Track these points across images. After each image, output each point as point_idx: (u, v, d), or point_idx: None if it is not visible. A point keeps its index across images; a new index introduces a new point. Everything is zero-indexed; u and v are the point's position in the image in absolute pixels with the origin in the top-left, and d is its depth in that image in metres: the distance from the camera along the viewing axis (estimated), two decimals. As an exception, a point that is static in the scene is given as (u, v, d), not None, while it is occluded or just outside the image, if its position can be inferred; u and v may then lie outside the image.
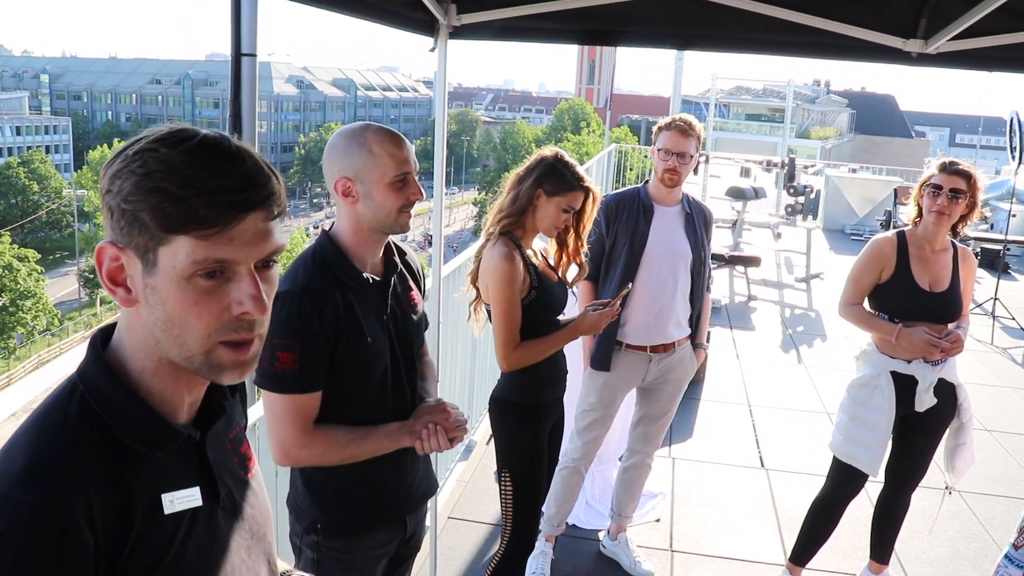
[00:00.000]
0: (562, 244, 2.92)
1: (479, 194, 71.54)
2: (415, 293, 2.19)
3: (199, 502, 1.10)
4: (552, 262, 2.95)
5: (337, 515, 2.09)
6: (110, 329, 1.11)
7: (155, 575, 1.03)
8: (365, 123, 2.04)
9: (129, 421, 1.04)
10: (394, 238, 2.15)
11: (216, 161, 1.00)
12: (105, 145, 55.40)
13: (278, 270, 1.10)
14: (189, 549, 1.07)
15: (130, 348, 1.08)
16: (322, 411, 2.00)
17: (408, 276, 2.19)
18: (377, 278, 2.06)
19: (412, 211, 2.02)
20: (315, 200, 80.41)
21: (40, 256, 44.13)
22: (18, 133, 68.27)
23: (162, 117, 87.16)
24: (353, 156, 1.97)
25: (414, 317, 2.17)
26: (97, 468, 0.99)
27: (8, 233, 45.71)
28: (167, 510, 1.05)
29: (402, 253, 2.19)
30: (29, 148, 63.71)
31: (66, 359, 43.06)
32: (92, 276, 49.63)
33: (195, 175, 0.98)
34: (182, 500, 1.07)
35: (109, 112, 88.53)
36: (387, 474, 2.11)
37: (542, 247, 2.99)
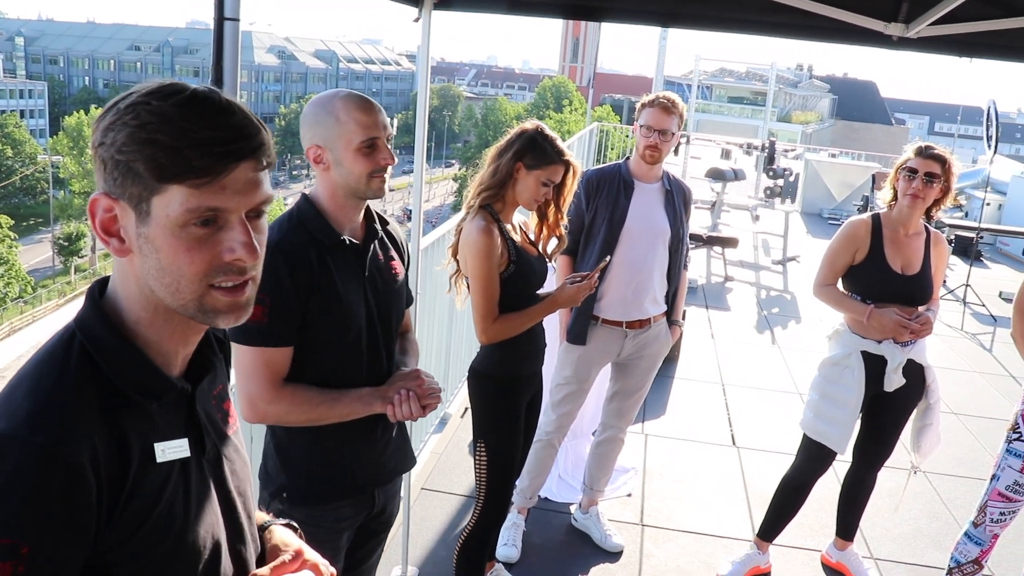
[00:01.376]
0: (542, 217, 2.92)
1: (460, 170, 71.24)
2: (396, 263, 2.18)
3: (187, 453, 1.12)
4: (532, 236, 2.96)
5: (303, 483, 2.09)
6: (106, 280, 1.13)
7: (147, 521, 1.06)
8: (336, 90, 2.04)
9: (127, 370, 1.07)
10: (376, 208, 2.16)
11: (208, 113, 1.02)
12: (82, 111, 54.43)
13: (267, 220, 1.12)
14: (177, 498, 1.10)
15: (125, 299, 1.10)
16: (295, 370, 2.00)
17: (391, 246, 2.19)
18: (356, 241, 2.06)
19: (386, 176, 2.01)
20: (294, 172, 79.83)
21: (13, 223, 43.52)
22: (-8, 96, 67.25)
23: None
24: (322, 124, 1.99)
25: (394, 284, 2.16)
26: (97, 414, 1.02)
27: (-19, 198, 45.11)
28: (159, 459, 1.08)
29: (384, 222, 2.19)
30: (3, 112, 62.56)
31: (39, 327, 42.65)
32: (67, 244, 49.13)
33: (188, 126, 1.01)
34: (173, 450, 1.10)
35: (86, 78, 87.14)
36: (358, 445, 2.11)
37: (522, 220, 3.00)
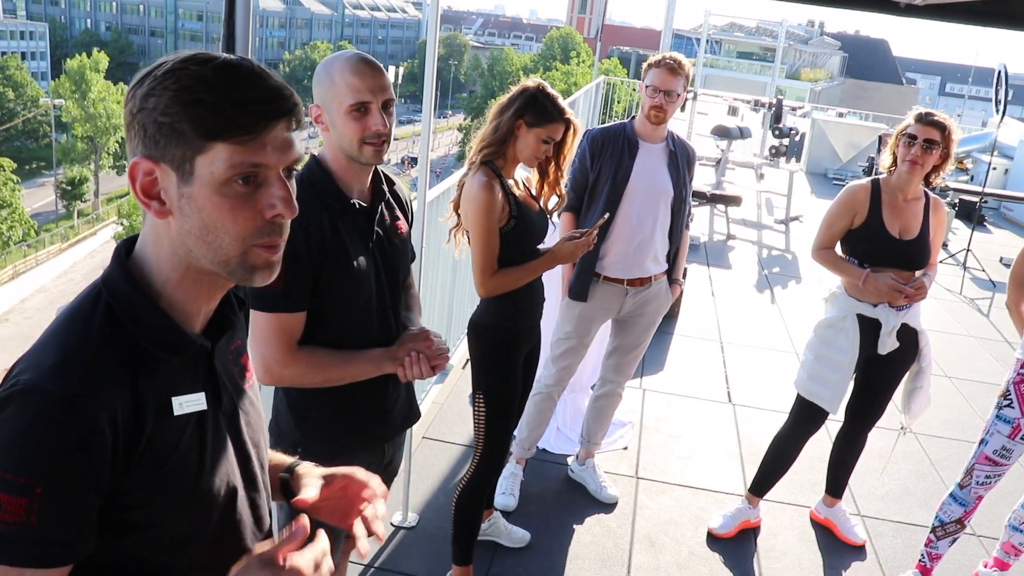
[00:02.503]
0: (543, 174, 2.97)
1: (465, 120, 70.66)
2: (402, 223, 2.23)
3: (204, 406, 1.19)
4: (534, 192, 3.01)
5: (317, 438, 2.16)
6: (132, 240, 1.19)
7: (163, 471, 1.13)
8: (343, 52, 2.07)
9: (149, 327, 1.13)
10: (382, 167, 2.20)
11: (244, 76, 1.09)
12: (84, 54, 53.61)
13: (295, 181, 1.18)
14: (193, 449, 1.17)
15: (154, 259, 1.16)
16: (307, 333, 2.05)
17: (396, 205, 2.23)
18: (364, 204, 2.10)
19: (380, 143, 2.02)
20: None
21: (16, 166, 43.31)
22: (-7, 37, 66.48)
23: (143, 27, 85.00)
24: (322, 85, 2.03)
25: (400, 245, 2.21)
26: (118, 368, 1.09)
27: (-17, 140, 44.88)
28: (176, 411, 1.14)
29: (391, 182, 2.23)
30: (3, 54, 61.91)
31: (42, 270, 42.75)
32: (69, 188, 48.95)
33: (230, 88, 1.07)
34: (190, 403, 1.17)
35: (88, 20, 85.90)
36: (368, 400, 2.18)
37: (524, 176, 3.04)
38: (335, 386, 2.11)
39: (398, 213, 2.24)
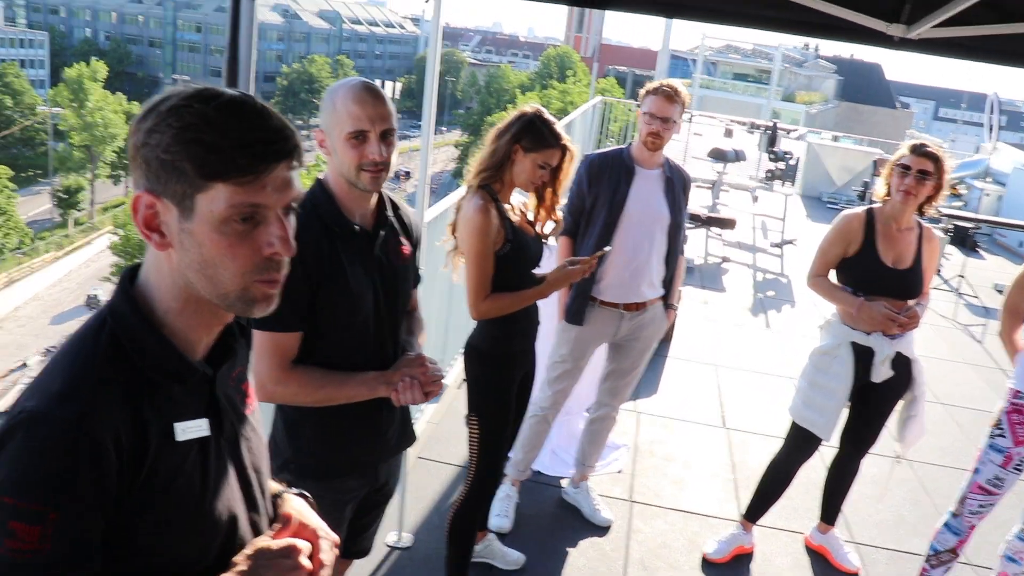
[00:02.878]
0: (540, 199, 3.00)
1: (461, 136, 70.89)
2: (405, 248, 2.24)
3: (207, 432, 1.21)
4: (532, 216, 3.03)
5: (310, 458, 2.17)
6: (136, 268, 1.21)
7: (166, 497, 1.14)
8: (350, 79, 2.10)
9: (152, 355, 1.15)
10: (388, 191, 2.22)
11: (247, 115, 1.11)
12: (83, 63, 53.79)
13: (294, 217, 1.20)
14: (196, 475, 1.19)
15: (157, 289, 1.18)
16: (304, 352, 2.08)
17: (400, 229, 2.25)
18: (366, 228, 2.12)
19: (378, 171, 2.03)
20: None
21: (12, 173, 43.30)
22: (-8, 45, 66.54)
23: (142, 38, 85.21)
24: (325, 111, 2.07)
25: (401, 269, 2.22)
26: (122, 395, 1.10)
27: (-21, 148, 44.85)
28: (179, 438, 1.16)
29: (396, 207, 2.25)
30: (3, 61, 62.03)
31: (36, 279, 42.67)
32: (66, 196, 48.95)
33: (231, 127, 1.09)
34: (192, 429, 1.18)
35: (88, 29, 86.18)
36: (361, 422, 2.19)
37: (521, 201, 3.07)
38: (329, 406, 2.12)
39: (402, 238, 2.25)
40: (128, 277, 1.20)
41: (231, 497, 1.26)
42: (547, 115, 2.88)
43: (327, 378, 2.08)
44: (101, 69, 54.27)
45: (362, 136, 2.01)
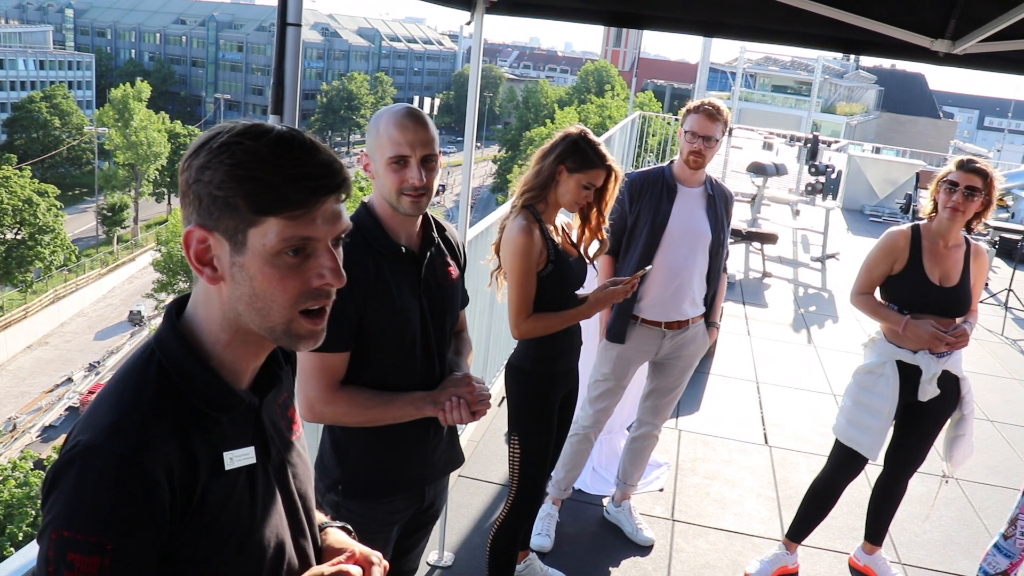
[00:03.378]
0: (585, 220, 3.00)
1: (499, 151, 71.11)
2: (453, 268, 2.27)
3: (253, 460, 1.23)
4: (575, 237, 3.03)
5: (359, 478, 2.19)
6: (183, 300, 1.24)
7: (216, 525, 1.17)
8: (396, 104, 2.14)
9: (200, 387, 1.17)
10: (434, 213, 2.25)
11: (297, 151, 1.14)
12: (128, 84, 54.92)
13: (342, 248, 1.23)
14: (244, 502, 1.21)
15: (205, 321, 1.21)
16: (352, 372, 2.10)
17: (446, 251, 2.27)
18: (413, 250, 2.15)
19: (418, 196, 2.06)
20: (335, 149, 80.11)
21: (59, 192, 44.24)
22: (41, 67, 67.96)
23: (185, 58, 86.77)
24: (370, 134, 2.12)
25: (449, 290, 2.25)
26: (172, 427, 1.13)
27: (29, 167, 45.90)
28: (227, 466, 1.19)
29: (441, 229, 2.28)
30: (52, 83, 63.61)
31: (81, 295, 43.47)
32: (110, 214, 49.91)
33: (282, 163, 1.12)
34: (240, 458, 1.21)
35: (132, 50, 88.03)
36: (410, 443, 2.21)
37: (564, 222, 3.07)
38: (376, 427, 2.14)
39: (449, 259, 2.27)
40: (175, 309, 1.23)
41: (278, 524, 1.28)
42: (591, 136, 2.89)
43: (375, 399, 2.10)
44: (145, 89, 55.35)
45: (403, 161, 2.05)
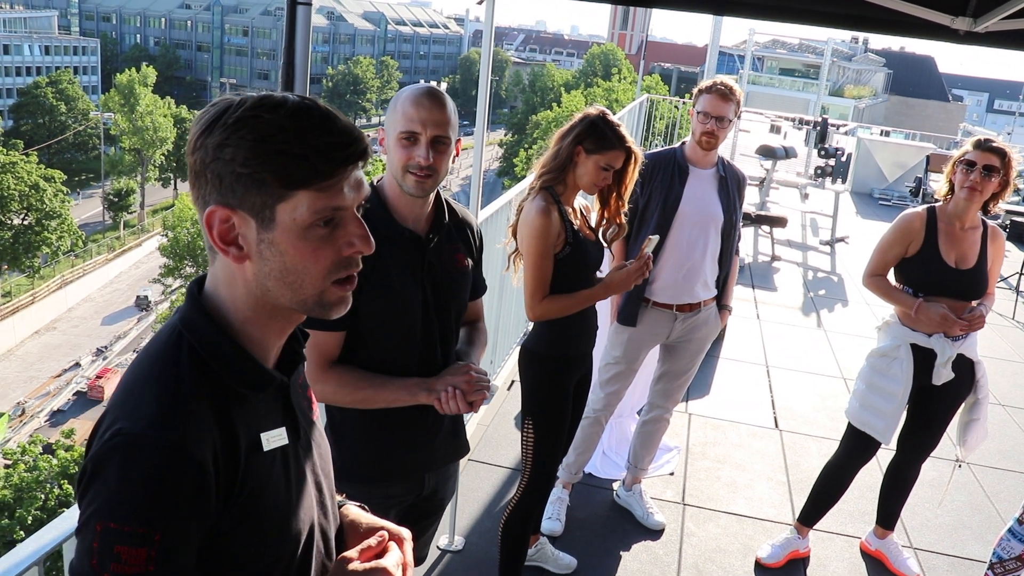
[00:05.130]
0: (604, 203, 2.96)
1: (505, 135, 70.83)
2: (462, 255, 2.23)
3: (286, 440, 1.21)
4: (594, 221, 3.00)
5: (355, 461, 2.16)
6: (201, 280, 1.21)
7: (257, 509, 1.14)
8: (419, 84, 2.11)
9: (236, 366, 1.15)
10: (448, 197, 2.21)
11: (318, 120, 1.11)
12: (133, 68, 54.79)
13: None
14: (281, 484, 1.19)
15: (229, 300, 1.17)
16: (348, 352, 2.09)
17: (458, 238, 2.24)
18: (418, 233, 2.12)
19: (423, 176, 2.03)
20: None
21: (66, 177, 44.29)
22: (47, 52, 67.79)
23: (190, 43, 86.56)
24: (389, 110, 2.10)
25: (457, 277, 2.21)
26: (212, 410, 1.10)
27: (35, 153, 45.95)
28: (265, 447, 1.16)
29: (454, 214, 2.24)
30: (57, 68, 63.49)
31: (88, 280, 43.59)
32: (116, 200, 49.99)
33: (308, 135, 1.10)
34: (276, 438, 1.19)
35: (138, 35, 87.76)
36: (407, 429, 2.18)
37: (583, 204, 3.04)
38: (371, 409, 2.12)
39: (460, 246, 2.24)
40: (196, 290, 1.20)
41: (311, 506, 1.26)
42: (611, 117, 2.84)
43: (366, 380, 2.08)
44: (151, 74, 55.30)
45: (413, 138, 2.02)
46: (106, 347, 38.18)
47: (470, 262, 2.28)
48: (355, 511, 1.46)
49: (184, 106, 58.27)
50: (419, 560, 2.45)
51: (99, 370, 35.37)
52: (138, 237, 50.76)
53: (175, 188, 57.57)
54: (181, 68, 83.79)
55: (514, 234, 2.93)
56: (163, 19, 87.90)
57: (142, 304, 41.99)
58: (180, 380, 1.10)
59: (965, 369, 3.47)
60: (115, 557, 1.01)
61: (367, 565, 1.27)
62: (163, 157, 54.28)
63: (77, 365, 36.42)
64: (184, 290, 1.22)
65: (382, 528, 1.40)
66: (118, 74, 55.66)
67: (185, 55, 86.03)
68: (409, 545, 1.38)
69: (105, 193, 51.57)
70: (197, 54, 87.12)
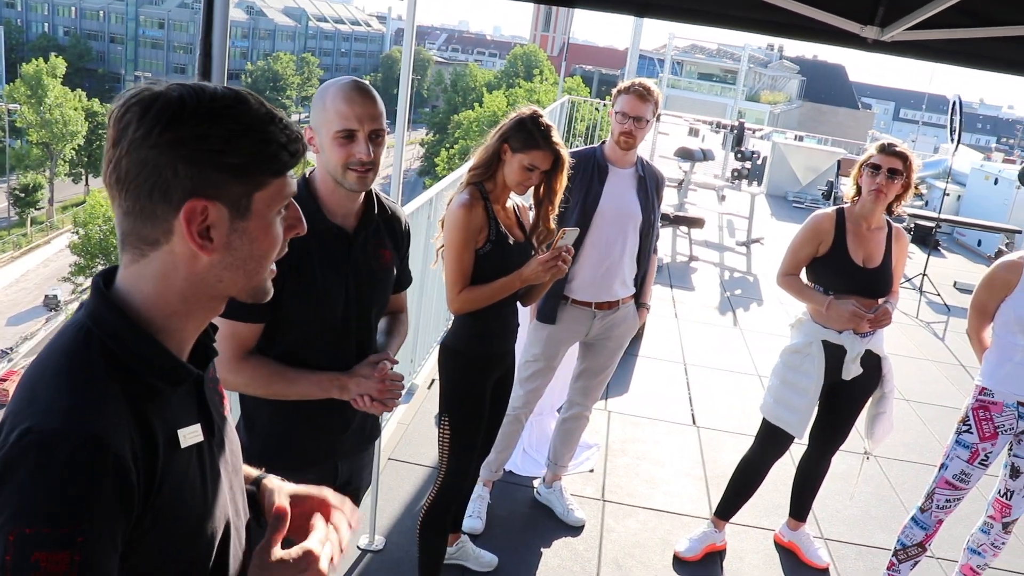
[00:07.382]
0: (539, 205, 2.94)
1: (427, 135, 70.54)
2: (388, 252, 2.22)
3: (202, 437, 1.17)
4: (529, 223, 2.99)
5: (267, 447, 2.15)
6: (110, 273, 1.15)
7: (174, 508, 1.09)
8: (342, 78, 2.09)
9: (150, 361, 1.09)
10: (378, 190, 2.20)
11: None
12: (41, 59, 52.66)
13: None
14: (197, 483, 1.15)
15: (155, 294, 1.12)
16: (264, 344, 2.08)
17: (385, 233, 2.23)
18: (346, 229, 2.10)
19: (364, 171, 2.03)
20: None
21: (-33, 171, 42.49)
22: (-55, 39, 65.03)
23: (103, 34, 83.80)
24: (315, 108, 2.07)
25: (380, 273, 2.21)
26: (128, 406, 1.05)
27: (-66, 145, 43.90)
28: (182, 444, 1.12)
29: (384, 208, 2.23)
30: (-42, 56, 60.87)
31: (-7, 278, 41.87)
32: (23, 195, 48.06)
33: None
34: (191, 435, 1.15)
35: (46, 24, 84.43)
36: (316, 416, 2.17)
37: (517, 203, 3.02)
38: (288, 402, 2.12)
39: (387, 242, 2.23)
40: (103, 283, 1.14)
41: (225, 503, 1.22)
42: (544, 118, 2.82)
43: (280, 373, 2.08)
44: (60, 65, 53.21)
45: (350, 135, 2.01)
46: (12, 348, 36.70)
47: (395, 259, 2.27)
48: (278, 481, 1.44)
49: (96, 99, 56.24)
50: None
51: (3, 373, 33.93)
52: (47, 234, 48.96)
53: (87, 184, 55.61)
54: (93, 60, 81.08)
55: (442, 226, 2.93)
56: (73, 8, 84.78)
57: (51, 304, 40.50)
58: (92, 374, 1.05)
59: (872, 365, 3.60)
60: (33, 567, 0.93)
61: (290, 553, 1.24)
62: (74, 152, 52.41)
63: (-19, 367, 34.95)
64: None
65: (307, 496, 1.41)
66: (24, 64, 53.50)
67: (98, 46, 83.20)
68: (342, 512, 1.39)
69: (10, 188, 49.51)
70: (110, 46, 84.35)
